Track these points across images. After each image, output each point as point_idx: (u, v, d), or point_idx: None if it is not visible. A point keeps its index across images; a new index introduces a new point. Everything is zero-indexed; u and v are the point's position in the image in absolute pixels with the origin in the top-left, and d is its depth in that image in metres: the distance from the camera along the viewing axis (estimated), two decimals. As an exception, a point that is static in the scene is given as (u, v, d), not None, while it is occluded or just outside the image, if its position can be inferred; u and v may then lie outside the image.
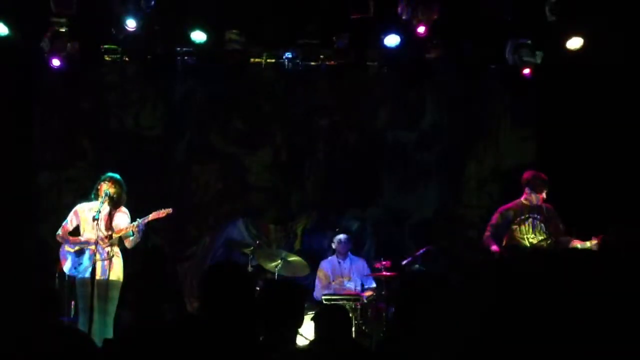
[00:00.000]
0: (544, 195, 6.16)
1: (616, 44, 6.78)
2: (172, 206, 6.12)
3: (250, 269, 6.81)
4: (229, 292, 2.61)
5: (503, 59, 7.47)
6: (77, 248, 5.89)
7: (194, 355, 2.48)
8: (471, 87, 8.43)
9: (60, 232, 6.00)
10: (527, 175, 6.26)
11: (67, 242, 5.96)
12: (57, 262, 6.24)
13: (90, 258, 5.74)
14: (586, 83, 7.30)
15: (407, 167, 8.61)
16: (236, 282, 2.66)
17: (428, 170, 8.60)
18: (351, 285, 7.21)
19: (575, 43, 7.07)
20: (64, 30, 7.06)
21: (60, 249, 5.99)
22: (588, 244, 5.74)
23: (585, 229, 5.94)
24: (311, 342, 3.79)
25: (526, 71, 7.44)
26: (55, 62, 7.22)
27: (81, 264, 5.84)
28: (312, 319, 3.82)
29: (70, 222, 6.03)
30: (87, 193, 6.16)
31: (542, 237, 6.11)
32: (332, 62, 7.82)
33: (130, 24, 6.94)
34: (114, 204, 5.96)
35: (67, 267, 5.93)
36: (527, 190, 6.21)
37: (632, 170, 7.00)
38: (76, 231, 6.08)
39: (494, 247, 6.10)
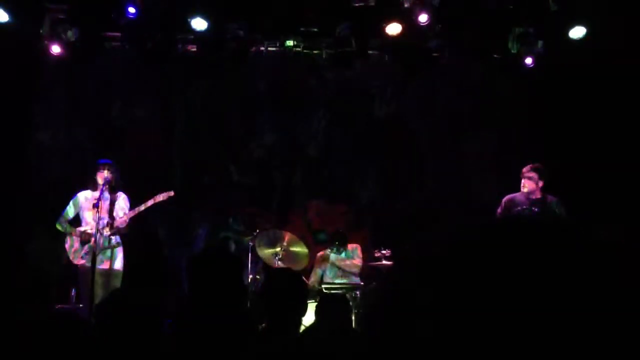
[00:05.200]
0: (532, 186, 6.12)
1: (619, 33, 6.76)
2: (174, 192, 6.13)
3: (249, 257, 6.80)
4: (215, 279, 2.61)
5: (505, 49, 7.43)
6: (82, 237, 5.89)
7: (189, 343, 2.48)
8: (473, 76, 8.40)
9: (60, 221, 6.00)
10: (525, 167, 6.26)
11: (70, 231, 5.96)
12: (61, 250, 6.21)
13: (92, 247, 5.73)
14: (589, 72, 7.27)
15: (408, 157, 8.60)
16: (221, 269, 2.66)
17: (429, 159, 8.59)
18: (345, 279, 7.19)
19: (578, 32, 7.04)
20: (63, 16, 7.01)
21: (66, 239, 5.99)
22: None
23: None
24: (309, 329, 3.78)
25: (528, 60, 7.40)
26: (55, 49, 7.16)
27: (87, 252, 5.84)
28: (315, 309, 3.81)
29: (69, 211, 6.02)
30: (86, 180, 6.15)
31: None
32: (334, 51, 7.77)
33: (131, 10, 6.89)
34: (113, 189, 5.97)
35: (73, 255, 5.92)
36: (522, 182, 6.22)
37: (635, 160, 6.99)
38: (76, 220, 6.07)
39: None
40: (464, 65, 8.17)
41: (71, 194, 6.19)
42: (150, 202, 6.03)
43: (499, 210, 6.28)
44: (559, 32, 7.15)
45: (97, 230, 5.70)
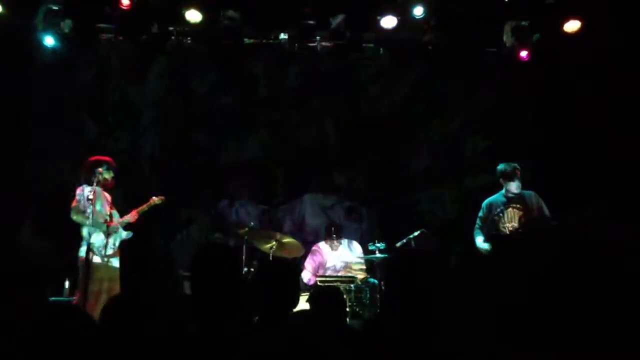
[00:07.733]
0: (513, 185, 6.17)
1: (613, 27, 6.77)
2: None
3: (244, 250, 6.80)
4: (217, 272, 2.62)
5: (500, 42, 7.44)
6: (110, 230, 5.86)
7: (184, 335, 2.49)
8: (468, 69, 8.40)
9: (78, 212, 5.84)
10: (499, 167, 6.30)
11: (92, 223, 5.84)
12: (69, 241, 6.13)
13: (113, 241, 5.79)
14: (583, 65, 7.28)
15: (403, 149, 8.61)
16: (223, 263, 2.67)
17: (423, 150, 8.60)
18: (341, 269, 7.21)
19: (572, 25, 7.04)
20: (57, 8, 6.99)
21: (89, 232, 5.85)
22: None
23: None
24: (298, 317, 3.75)
25: (523, 54, 7.41)
26: (49, 41, 7.13)
27: (106, 245, 5.80)
28: (307, 300, 3.81)
29: (84, 203, 5.91)
30: (84, 174, 6.13)
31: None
32: (328, 44, 7.76)
33: (125, 2, 6.86)
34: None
35: (97, 248, 5.83)
36: (501, 181, 6.27)
37: (630, 153, 7.00)
38: None
39: (478, 240, 6.27)
40: (459, 59, 8.16)
41: (71, 190, 6.10)
42: (144, 206, 6.20)
43: (480, 214, 6.35)
44: (553, 25, 7.15)
45: (112, 225, 5.78)
